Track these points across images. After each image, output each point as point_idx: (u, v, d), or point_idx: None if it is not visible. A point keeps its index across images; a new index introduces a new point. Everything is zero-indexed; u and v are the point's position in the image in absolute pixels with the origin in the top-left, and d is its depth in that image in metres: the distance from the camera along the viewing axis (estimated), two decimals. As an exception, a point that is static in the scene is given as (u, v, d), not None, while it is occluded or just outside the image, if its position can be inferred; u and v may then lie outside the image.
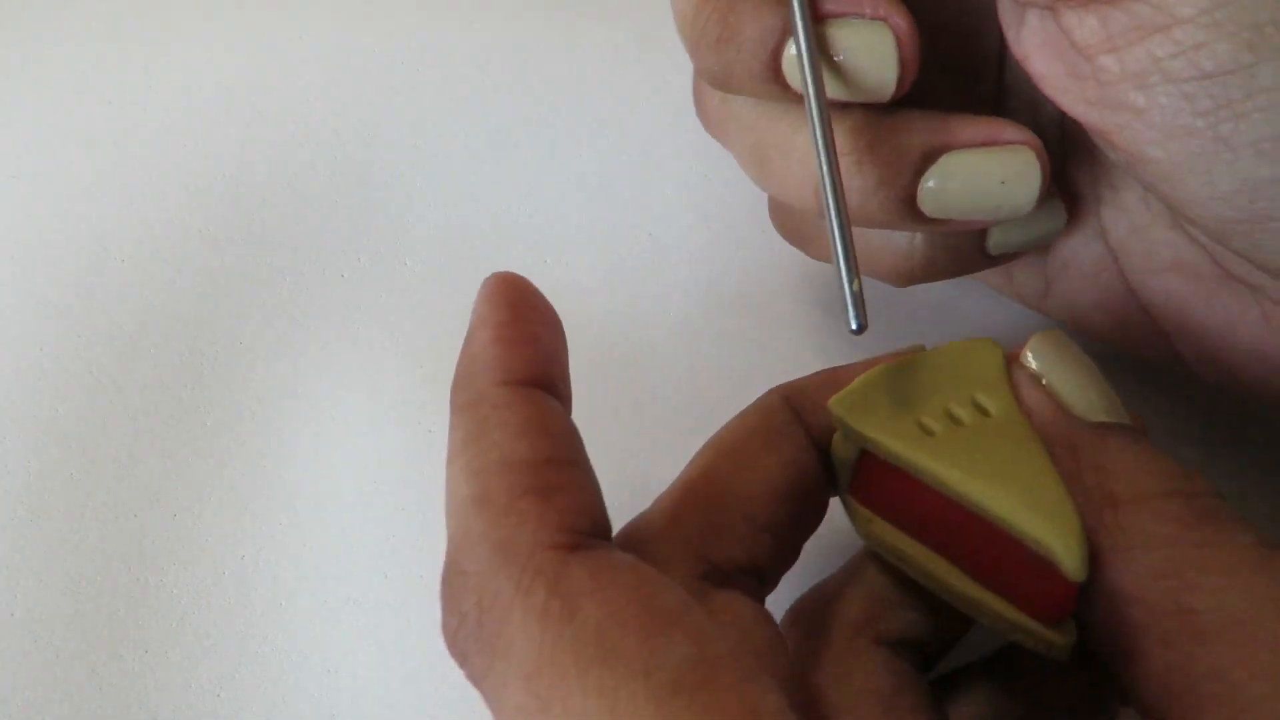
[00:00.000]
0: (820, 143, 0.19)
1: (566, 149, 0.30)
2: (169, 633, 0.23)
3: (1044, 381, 0.18)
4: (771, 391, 0.21)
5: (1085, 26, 0.18)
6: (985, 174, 0.20)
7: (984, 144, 0.20)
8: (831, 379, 0.20)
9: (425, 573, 0.24)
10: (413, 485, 0.25)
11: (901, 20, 0.20)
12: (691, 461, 0.20)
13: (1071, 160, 0.23)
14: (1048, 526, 0.16)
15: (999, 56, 0.24)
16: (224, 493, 0.25)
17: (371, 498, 0.25)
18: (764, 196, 0.27)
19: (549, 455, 0.16)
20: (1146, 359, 0.24)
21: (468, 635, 0.15)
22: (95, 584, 0.24)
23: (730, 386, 0.26)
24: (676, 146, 0.30)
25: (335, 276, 0.28)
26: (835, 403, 0.19)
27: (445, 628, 0.16)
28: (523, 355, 0.17)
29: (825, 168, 0.19)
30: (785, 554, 0.19)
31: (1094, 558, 0.17)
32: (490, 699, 0.15)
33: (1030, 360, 0.19)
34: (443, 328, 0.27)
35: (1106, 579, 0.17)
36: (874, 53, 0.20)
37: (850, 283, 0.19)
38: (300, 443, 0.26)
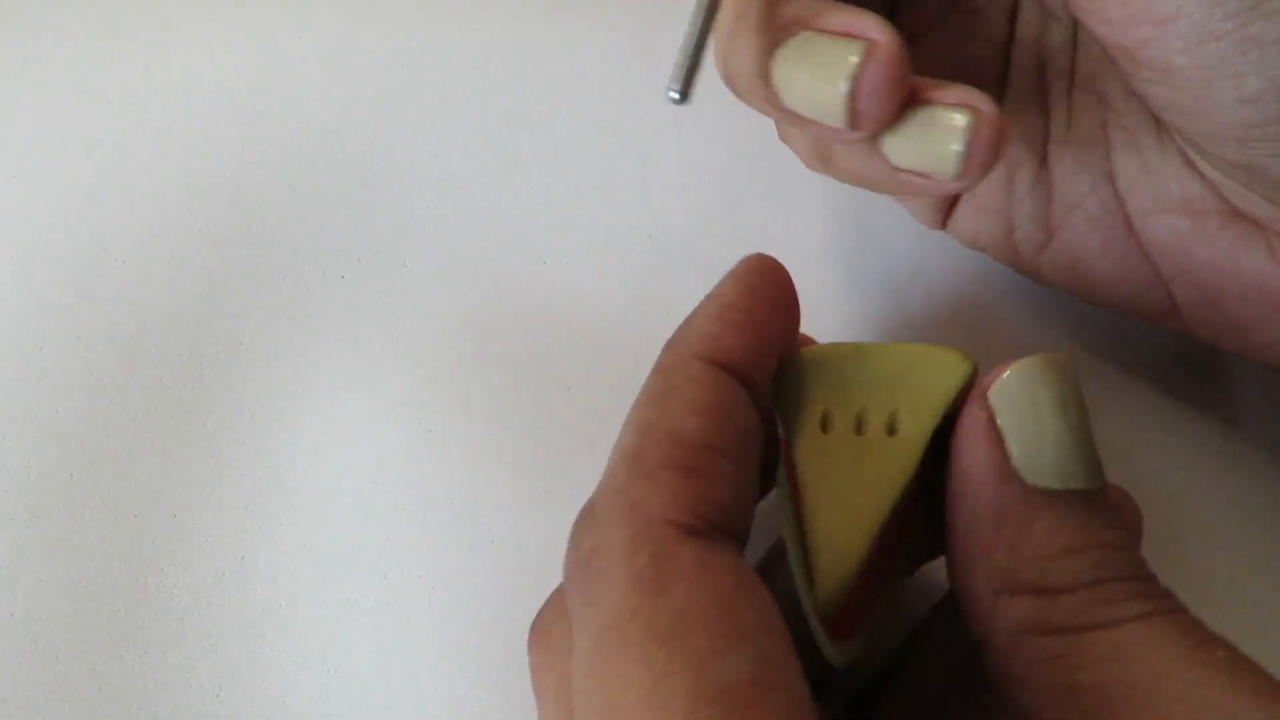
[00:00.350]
0: None
1: (566, 149, 0.30)
2: (169, 633, 0.23)
3: (999, 425, 0.17)
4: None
5: None
6: (808, 58, 0.19)
7: (842, 33, 0.19)
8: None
9: (425, 573, 0.24)
10: (413, 485, 0.25)
11: None
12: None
13: (1080, 107, 0.23)
14: (817, 561, 0.17)
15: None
16: (224, 493, 0.25)
17: (371, 498, 0.25)
18: (764, 195, 0.27)
19: (712, 441, 0.17)
20: (1141, 317, 0.24)
21: (576, 572, 0.16)
22: (95, 584, 0.24)
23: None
24: (676, 147, 0.30)
25: (335, 277, 0.28)
26: (792, 356, 0.19)
27: (565, 558, 0.17)
28: (735, 341, 0.18)
29: None
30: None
31: (989, 641, 0.17)
32: (575, 634, 0.16)
33: (996, 396, 0.17)
34: (443, 328, 0.27)
35: (1000, 663, 0.17)
36: None
37: (688, 55, 0.18)
38: (300, 443, 0.26)
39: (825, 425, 0.18)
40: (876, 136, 0.20)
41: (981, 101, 0.19)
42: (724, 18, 0.21)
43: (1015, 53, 0.24)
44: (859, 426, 0.18)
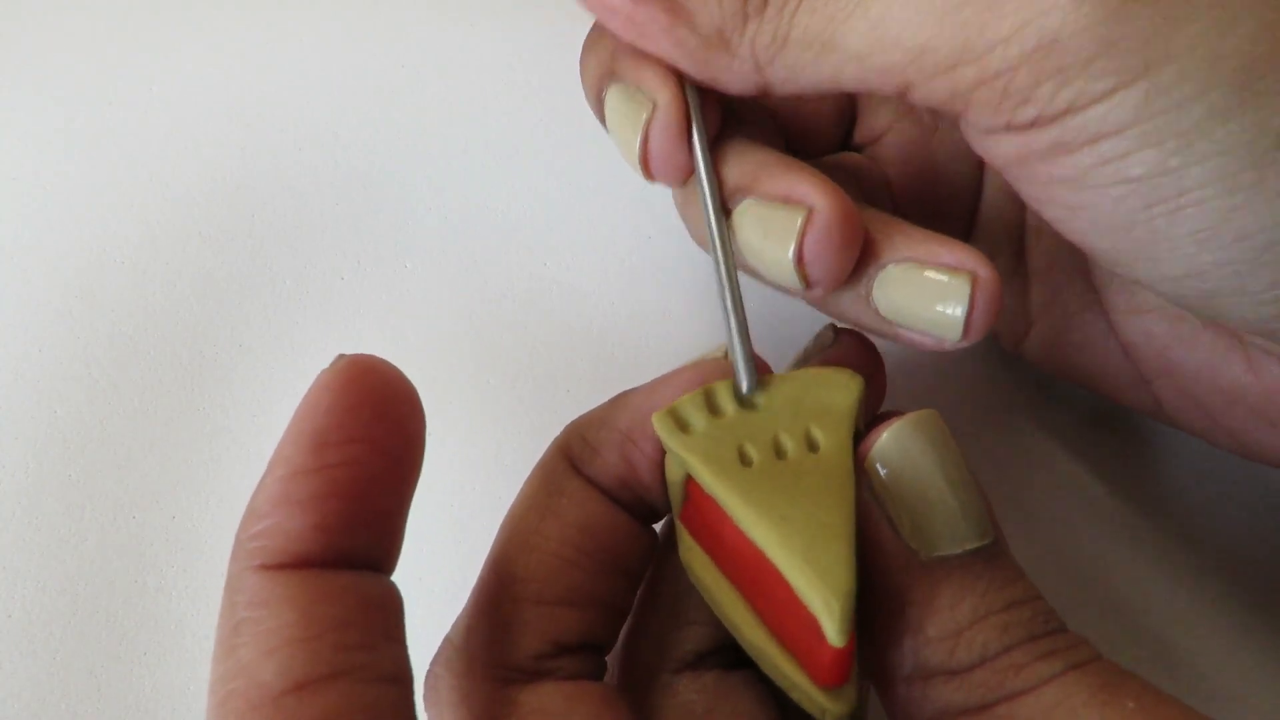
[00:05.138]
0: (716, 237, 0.19)
1: (566, 150, 0.30)
2: (168, 635, 0.23)
3: (882, 502, 0.17)
4: (554, 443, 0.19)
5: (1029, 145, 0.17)
6: (758, 223, 0.19)
7: (781, 198, 0.19)
8: (616, 407, 0.19)
9: (424, 574, 0.24)
10: (412, 486, 0.25)
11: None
12: (491, 547, 0.19)
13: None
14: (815, 585, 0.15)
15: None
16: (224, 494, 0.25)
17: (371, 499, 0.25)
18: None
19: (301, 677, 0.14)
20: (1125, 405, 0.24)
21: None
22: (94, 585, 0.24)
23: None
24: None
25: (335, 277, 0.28)
26: (659, 418, 0.18)
27: None
28: (310, 520, 0.15)
29: (720, 253, 0.19)
30: (605, 614, 0.18)
31: (901, 714, 0.16)
32: None
33: (874, 472, 0.17)
34: (442, 328, 0.27)
35: None
36: None
37: (740, 352, 0.18)
38: (300, 444, 0.26)
39: (744, 460, 0.17)
40: (833, 293, 0.20)
41: (980, 265, 0.18)
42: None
43: None
44: (778, 453, 0.17)
